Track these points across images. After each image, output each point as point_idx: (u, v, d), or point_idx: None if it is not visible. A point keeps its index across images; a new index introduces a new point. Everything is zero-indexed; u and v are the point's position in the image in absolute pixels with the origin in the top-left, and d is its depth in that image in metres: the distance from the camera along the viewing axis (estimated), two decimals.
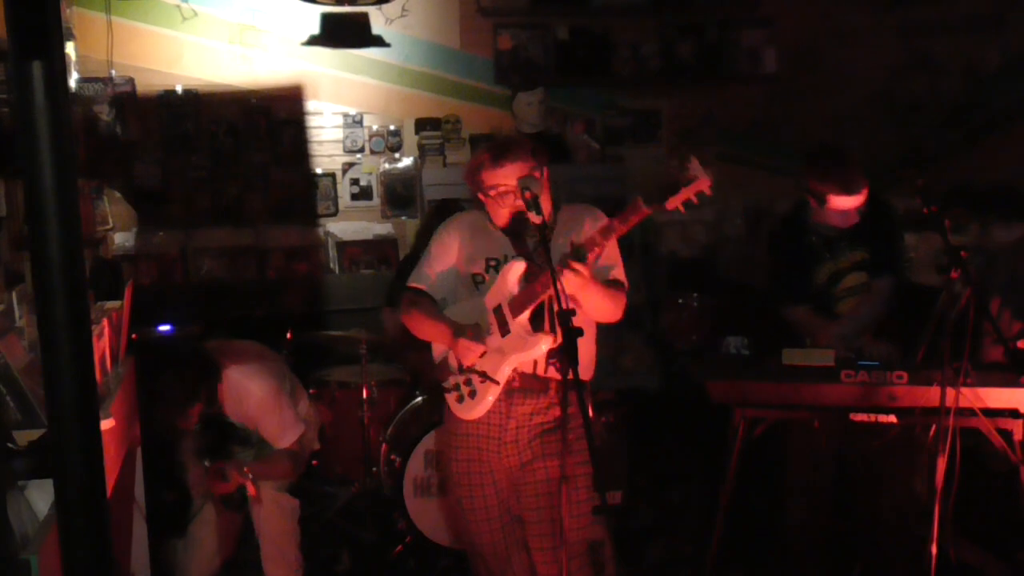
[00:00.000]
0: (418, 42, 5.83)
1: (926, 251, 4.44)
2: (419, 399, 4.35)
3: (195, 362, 3.55)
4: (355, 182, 5.86)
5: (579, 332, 2.45)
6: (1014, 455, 3.27)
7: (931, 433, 3.21)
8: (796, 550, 3.71)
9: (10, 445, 2.09)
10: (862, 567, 3.65)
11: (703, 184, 2.51)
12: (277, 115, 5.71)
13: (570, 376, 2.46)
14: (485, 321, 2.88)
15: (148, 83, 5.49)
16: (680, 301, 5.07)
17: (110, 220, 5.47)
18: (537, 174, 2.83)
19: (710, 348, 4.14)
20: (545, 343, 2.78)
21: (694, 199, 2.52)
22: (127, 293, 3.34)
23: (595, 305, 2.80)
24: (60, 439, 1.31)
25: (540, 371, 2.89)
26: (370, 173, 5.87)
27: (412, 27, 5.81)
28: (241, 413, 3.67)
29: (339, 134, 5.81)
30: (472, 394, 2.93)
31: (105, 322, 2.85)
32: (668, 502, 4.76)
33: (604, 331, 3.05)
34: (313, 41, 5.64)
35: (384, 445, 4.32)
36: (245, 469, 3.61)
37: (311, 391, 4.43)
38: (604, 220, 2.92)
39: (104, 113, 5.37)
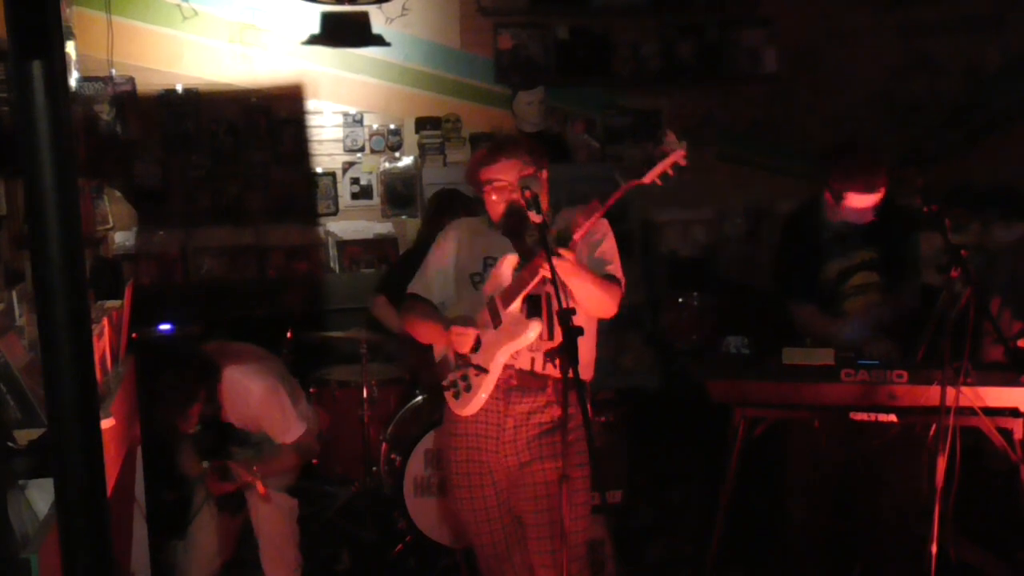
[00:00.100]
0: (418, 41, 5.83)
1: (926, 251, 4.44)
2: (419, 398, 4.35)
3: (194, 362, 3.55)
4: (355, 181, 5.86)
5: (579, 331, 2.45)
6: (1014, 454, 3.27)
7: (931, 432, 3.21)
8: (796, 550, 3.70)
9: (10, 444, 2.09)
10: (862, 567, 3.65)
11: (677, 155, 2.54)
12: (277, 114, 5.72)
13: (570, 375, 2.46)
14: (480, 316, 2.89)
15: (148, 82, 5.50)
16: (680, 301, 5.06)
17: (110, 219, 5.47)
18: (531, 171, 2.84)
19: (710, 348, 4.14)
20: (534, 330, 2.78)
21: (670, 171, 2.56)
22: (127, 292, 3.34)
23: (587, 296, 2.76)
24: (60, 438, 1.31)
25: (538, 368, 2.89)
26: (370, 172, 5.87)
27: (412, 26, 5.81)
28: (242, 414, 3.68)
29: (339, 133, 5.81)
30: (467, 388, 2.93)
31: (105, 321, 2.85)
32: (668, 502, 4.77)
33: (604, 331, 3.05)
34: (313, 40, 5.64)
35: (384, 444, 4.32)
36: (255, 468, 3.61)
37: (311, 390, 4.44)
38: (603, 225, 2.94)
39: (104, 112, 5.37)
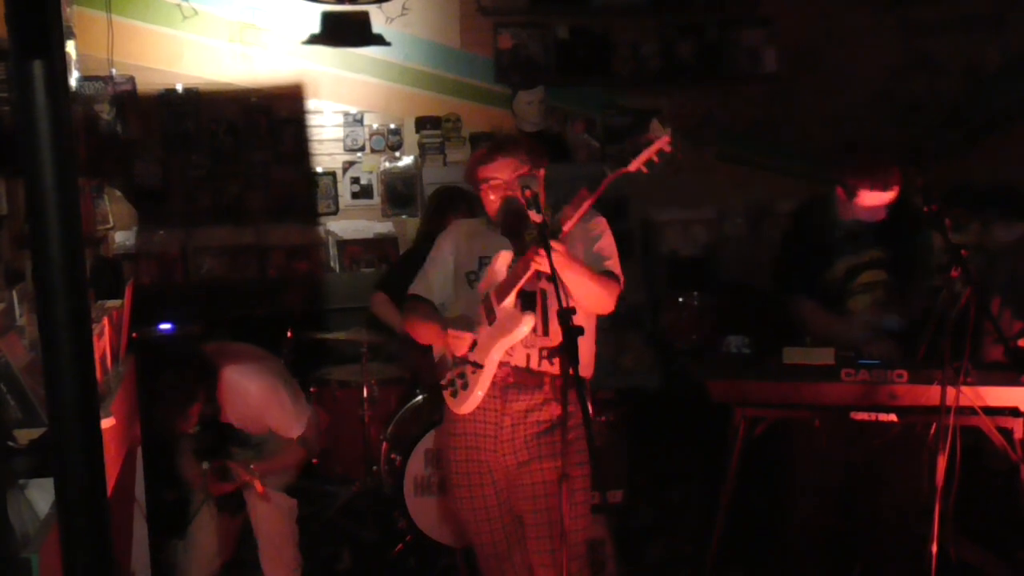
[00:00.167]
0: (418, 41, 5.83)
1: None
2: (419, 398, 4.34)
3: (194, 362, 3.55)
4: (355, 181, 5.87)
5: (580, 331, 2.45)
6: (1014, 454, 3.27)
7: (931, 432, 3.21)
8: (796, 549, 3.70)
9: (11, 444, 2.09)
10: (862, 567, 3.65)
11: (663, 142, 2.56)
12: (278, 114, 5.72)
13: (571, 372, 2.46)
14: (476, 313, 2.90)
15: (148, 82, 5.50)
16: (680, 300, 5.06)
17: (111, 219, 5.48)
18: (526, 169, 2.86)
19: (710, 347, 4.13)
20: (527, 323, 2.78)
21: (655, 158, 2.58)
22: (128, 292, 3.34)
23: (582, 291, 2.73)
24: (61, 438, 1.31)
25: (534, 365, 2.89)
26: (370, 172, 5.87)
27: (412, 26, 5.81)
28: (242, 414, 3.68)
29: (339, 133, 5.81)
30: (464, 386, 2.94)
31: (106, 321, 2.85)
32: (668, 501, 4.77)
33: (604, 331, 3.05)
34: (313, 40, 5.64)
35: (384, 444, 4.32)
36: (253, 467, 3.61)
37: (311, 390, 4.44)
38: (600, 223, 2.95)
39: (105, 112, 5.37)
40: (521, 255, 2.76)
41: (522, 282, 2.76)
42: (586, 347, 2.91)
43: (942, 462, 3.08)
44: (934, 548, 3.08)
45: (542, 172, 2.92)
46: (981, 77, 6.05)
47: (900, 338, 3.61)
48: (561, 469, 2.69)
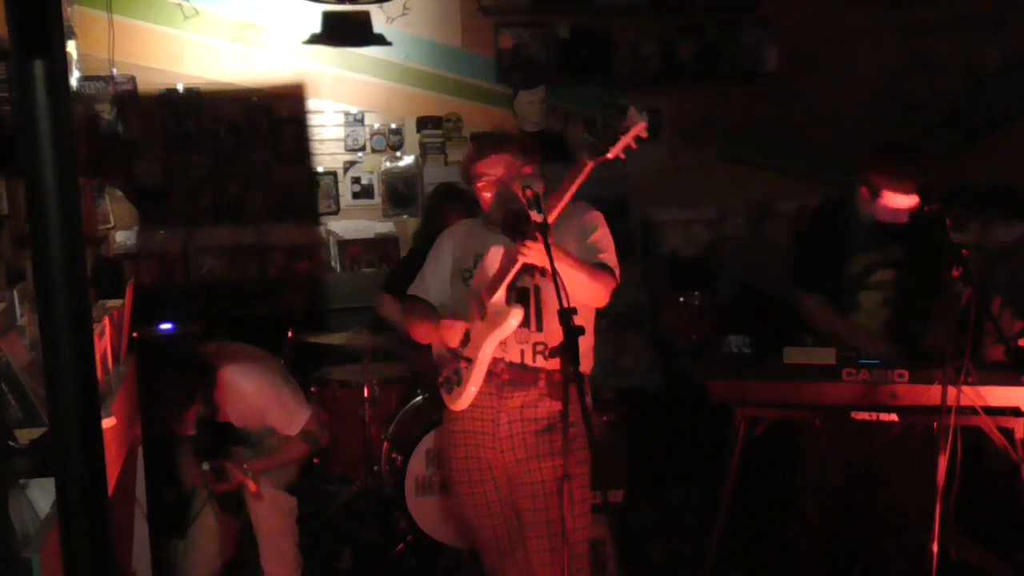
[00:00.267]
0: (419, 41, 5.83)
1: None
2: (420, 397, 4.35)
3: (194, 362, 3.55)
4: (356, 180, 5.87)
5: (580, 331, 2.46)
6: (1015, 453, 3.27)
7: (933, 431, 3.21)
8: (797, 549, 3.70)
9: (11, 444, 2.09)
10: (862, 567, 3.65)
11: (639, 128, 2.57)
12: (278, 113, 5.72)
13: (570, 369, 2.47)
14: (469, 309, 2.92)
15: (149, 81, 5.50)
16: (680, 300, 5.06)
17: (111, 219, 5.47)
18: (519, 165, 2.89)
19: (710, 348, 4.12)
20: (516, 316, 2.79)
21: (633, 145, 2.59)
22: (128, 292, 3.34)
23: (574, 282, 2.68)
24: (61, 438, 1.31)
25: (528, 360, 2.90)
26: (371, 172, 5.87)
27: (413, 26, 5.81)
28: (241, 413, 3.68)
29: (340, 132, 5.81)
30: (458, 382, 2.96)
31: (106, 321, 2.85)
32: (668, 501, 4.77)
33: (604, 331, 3.05)
34: (314, 39, 5.64)
35: (385, 444, 4.32)
36: (245, 466, 3.62)
37: (312, 389, 4.44)
38: (597, 217, 2.95)
39: (105, 112, 5.37)
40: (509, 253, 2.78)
41: (510, 276, 2.78)
42: (584, 341, 2.90)
43: (943, 462, 3.08)
44: (935, 548, 3.07)
45: (529, 169, 2.92)
46: (981, 77, 6.04)
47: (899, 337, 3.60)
48: (561, 469, 2.69)
